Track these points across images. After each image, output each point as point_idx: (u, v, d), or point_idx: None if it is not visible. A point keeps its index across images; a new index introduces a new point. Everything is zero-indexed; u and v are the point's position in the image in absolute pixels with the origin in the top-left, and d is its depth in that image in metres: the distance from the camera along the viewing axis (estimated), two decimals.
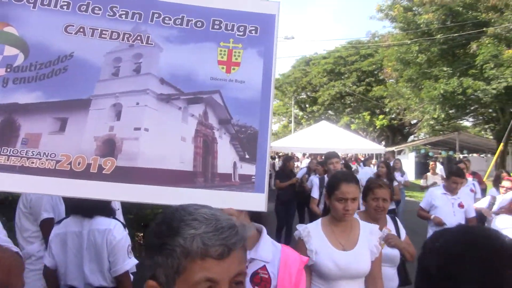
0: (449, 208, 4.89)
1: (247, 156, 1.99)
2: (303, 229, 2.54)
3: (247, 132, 2.02)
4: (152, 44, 2.12)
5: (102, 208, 2.86)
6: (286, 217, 8.02)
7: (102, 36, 2.10)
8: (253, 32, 2.17)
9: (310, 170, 9.04)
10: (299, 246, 2.50)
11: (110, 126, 1.99)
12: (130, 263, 2.85)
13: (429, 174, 9.75)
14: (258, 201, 1.90)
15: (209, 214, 1.09)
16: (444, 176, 9.84)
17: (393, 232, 3.30)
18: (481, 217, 5.20)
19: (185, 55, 2.11)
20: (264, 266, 1.73)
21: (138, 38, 2.12)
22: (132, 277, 2.95)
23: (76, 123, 1.99)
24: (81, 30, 2.10)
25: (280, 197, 8.02)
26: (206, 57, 2.11)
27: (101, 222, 2.85)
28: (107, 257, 2.80)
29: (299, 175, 9.01)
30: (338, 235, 2.53)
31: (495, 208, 4.98)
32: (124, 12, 2.13)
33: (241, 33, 2.17)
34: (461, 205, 4.94)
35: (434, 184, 9.19)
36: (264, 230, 1.88)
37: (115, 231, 2.83)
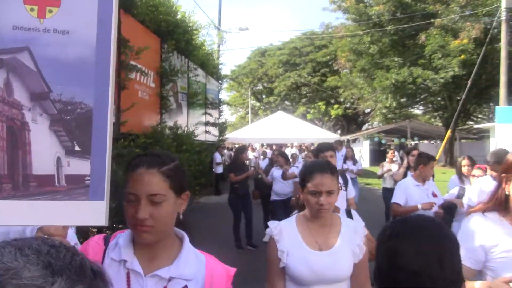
0: (426, 200, 4.57)
1: (77, 148, 1.35)
2: (274, 227, 2.21)
3: (75, 111, 1.35)
4: None
5: None
6: (244, 211, 7.84)
7: None
8: None
9: (272, 162, 8.78)
10: (271, 246, 2.18)
11: None
12: None
13: (385, 162, 9.87)
14: (95, 213, 1.32)
15: None
16: (400, 163, 10.02)
17: None
18: (450, 209, 5.03)
19: None
20: (186, 286, 1.39)
21: None
22: None
23: None
24: None
25: (238, 191, 7.80)
26: None
27: None
28: None
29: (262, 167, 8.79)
30: (315, 233, 2.20)
31: (465, 200, 4.71)
32: None
33: None
34: (434, 195, 4.67)
35: (389, 171, 9.34)
36: (186, 239, 1.49)
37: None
